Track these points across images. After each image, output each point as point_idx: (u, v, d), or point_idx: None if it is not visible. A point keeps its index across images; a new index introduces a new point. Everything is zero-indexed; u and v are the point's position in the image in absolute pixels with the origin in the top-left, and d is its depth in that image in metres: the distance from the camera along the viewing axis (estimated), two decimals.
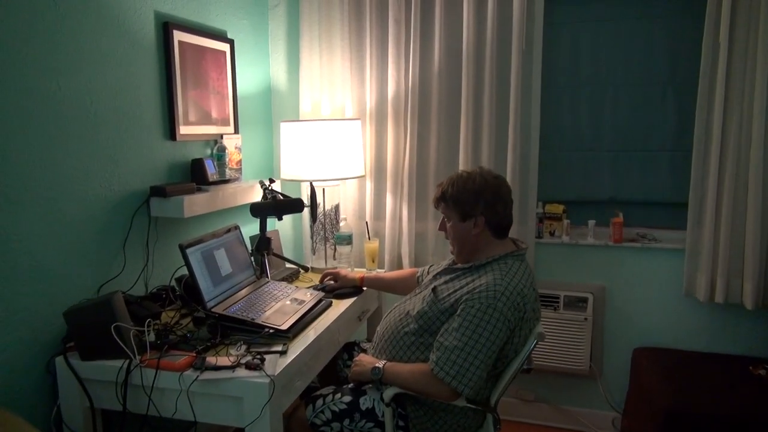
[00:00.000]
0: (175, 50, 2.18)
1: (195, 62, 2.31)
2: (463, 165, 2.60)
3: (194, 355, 1.62)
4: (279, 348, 1.69)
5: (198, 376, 1.53)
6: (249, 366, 1.56)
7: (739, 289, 2.34)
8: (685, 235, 2.44)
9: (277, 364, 1.60)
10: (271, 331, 1.76)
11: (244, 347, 1.68)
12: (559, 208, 2.66)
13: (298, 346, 1.73)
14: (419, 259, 2.77)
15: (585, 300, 2.59)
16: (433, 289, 1.78)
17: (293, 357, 1.66)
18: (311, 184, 2.44)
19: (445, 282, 1.80)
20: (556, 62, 2.68)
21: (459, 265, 1.84)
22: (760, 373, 2.19)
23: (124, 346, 1.58)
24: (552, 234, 2.67)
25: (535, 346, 1.74)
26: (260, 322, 1.79)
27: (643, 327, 2.58)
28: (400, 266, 2.78)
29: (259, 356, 1.62)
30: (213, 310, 1.83)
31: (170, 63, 2.16)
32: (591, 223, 2.61)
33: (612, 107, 2.65)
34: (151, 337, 1.67)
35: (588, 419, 2.69)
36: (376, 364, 1.77)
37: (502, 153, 2.59)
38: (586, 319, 2.59)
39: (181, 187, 2.10)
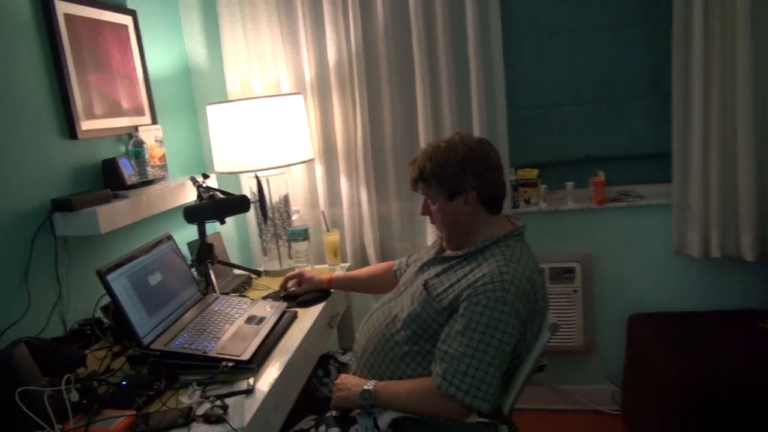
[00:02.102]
0: (61, 25, 1.73)
1: (90, 40, 1.87)
2: (423, 135, 2.29)
3: (134, 413, 1.24)
4: (243, 386, 1.34)
5: None
6: (208, 419, 1.21)
7: (735, 241, 2.17)
8: (671, 188, 2.24)
9: (244, 408, 1.25)
10: (230, 364, 1.41)
11: (198, 391, 1.33)
12: (533, 173, 2.41)
13: (267, 378, 1.39)
14: (385, 246, 2.46)
15: (572, 270, 2.36)
16: (424, 285, 1.47)
17: (264, 395, 1.31)
18: (257, 175, 2.05)
19: (437, 275, 1.49)
20: (514, 8, 2.39)
21: (450, 254, 1.53)
22: None
23: (35, 417, 1.19)
24: (528, 202, 2.42)
25: (549, 340, 1.47)
26: (214, 355, 1.43)
27: (635, 292, 2.39)
28: (364, 257, 2.46)
29: (219, 402, 1.27)
30: (152, 346, 1.45)
31: (57, 42, 1.71)
32: (569, 185, 2.38)
33: (579, 55, 2.40)
34: (73, 396, 1.28)
35: (585, 396, 2.50)
36: (365, 386, 1.45)
37: (466, 118, 2.29)
38: (575, 290, 2.37)
39: (92, 197, 1.68)
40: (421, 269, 1.58)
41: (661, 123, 2.32)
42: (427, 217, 1.58)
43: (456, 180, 1.47)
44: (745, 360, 1.90)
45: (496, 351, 1.32)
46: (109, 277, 1.44)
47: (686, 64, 2.12)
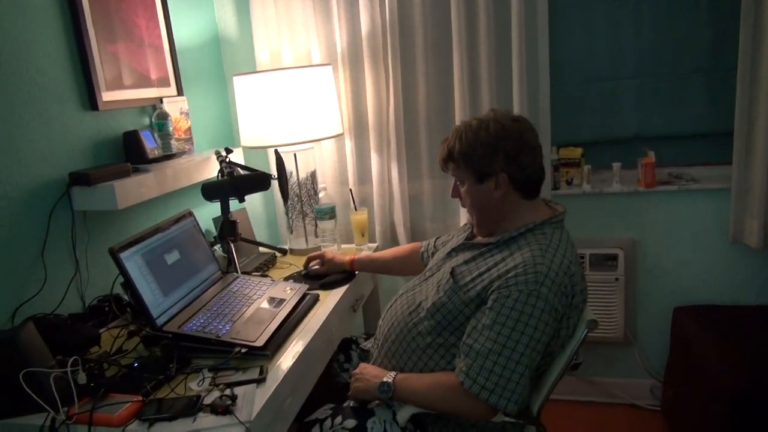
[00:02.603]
0: None
1: (113, 7, 1.80)
2: (459, 110, 2.16)
3: (140, 399, 1.19)
4: (255, 374, 1.28)
5: None
6: (215, 409, 1.15)
7: None
8: (729, 171, 2.05)
9: (254, 400, 1.19)
10: (243, 350, 1.34)
11: (208, 377, 1.27)
12: (576, 152, 2.25)
13: (282, 365, 1.33)
14: (416, 226, 2.36)
15: (614, 257, 2.21)
16: (451, 273, 1.37)
17: (275, 386, 1.24)
18: (276, 152, 1.97)
19: (466, 262, 1.39)
20: None
21: (481, 240, 1.42)
22: None
23: (39, 400, 1.15)
24: (570, 183, 2.27)
25: (586, 337, 1.36)
26: (228, 339, 1.37)
27: (683, 282, 2.22)
28: (394, 237, 2.36)
29: (229, 391, 1.21)
30: (165, 328, 1.40)
31: (77, 9, 1.65)
32: (615, 166, 2.21)
33: (632, 24, 2.20)
34: (81, 378, 1.24)
35: (623, 389, 2.36)
36: (384, 379, 1.36)
37: (506, 93, 2.14)
38: (617, 279, 2.22)
39: (110, 170, 1.63)
40: (449, 255, 1.48)
41: (721, 100, 2.12)
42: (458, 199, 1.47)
43: (485, 161, 1.35)
44: None
45: (525, 348, 1.21)
46: (123, 255, 1.39)
47: (755, 34, 1.91)
